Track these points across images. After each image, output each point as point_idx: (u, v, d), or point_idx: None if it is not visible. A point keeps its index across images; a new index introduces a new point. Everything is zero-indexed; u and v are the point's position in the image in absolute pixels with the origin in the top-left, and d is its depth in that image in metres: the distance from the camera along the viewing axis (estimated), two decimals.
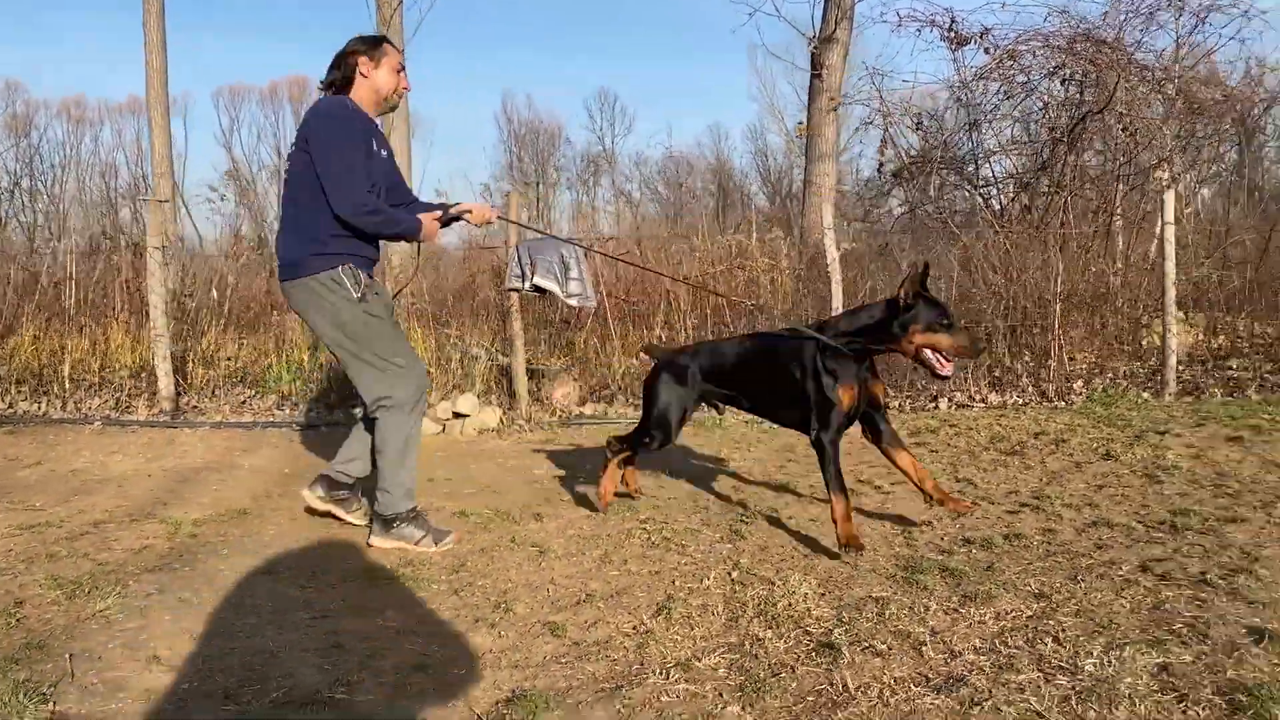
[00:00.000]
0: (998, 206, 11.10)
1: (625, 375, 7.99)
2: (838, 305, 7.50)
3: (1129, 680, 2.48)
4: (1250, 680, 2.43)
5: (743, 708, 2.40)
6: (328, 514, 4.20)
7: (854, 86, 14.61)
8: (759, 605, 3.17)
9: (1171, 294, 7.46)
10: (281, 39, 75.85)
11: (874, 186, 12.53)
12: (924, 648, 2.75)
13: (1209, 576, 3.30)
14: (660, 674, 2.62)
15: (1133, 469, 5.06)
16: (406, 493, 3.90)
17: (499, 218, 4.55)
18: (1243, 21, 10.99)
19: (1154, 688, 2.44)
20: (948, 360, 3.60)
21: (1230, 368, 8.85)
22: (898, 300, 3.60)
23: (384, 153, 3.92)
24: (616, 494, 4.47)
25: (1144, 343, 9.14)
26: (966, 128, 11.01)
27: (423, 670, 2.70)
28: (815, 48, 15.62)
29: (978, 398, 7.50)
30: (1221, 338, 9.83)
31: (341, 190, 3.62)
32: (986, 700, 2.39)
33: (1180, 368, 8.12)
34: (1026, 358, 7.90)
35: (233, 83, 63.27)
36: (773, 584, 3.39)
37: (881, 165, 12.80)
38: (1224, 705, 2.32)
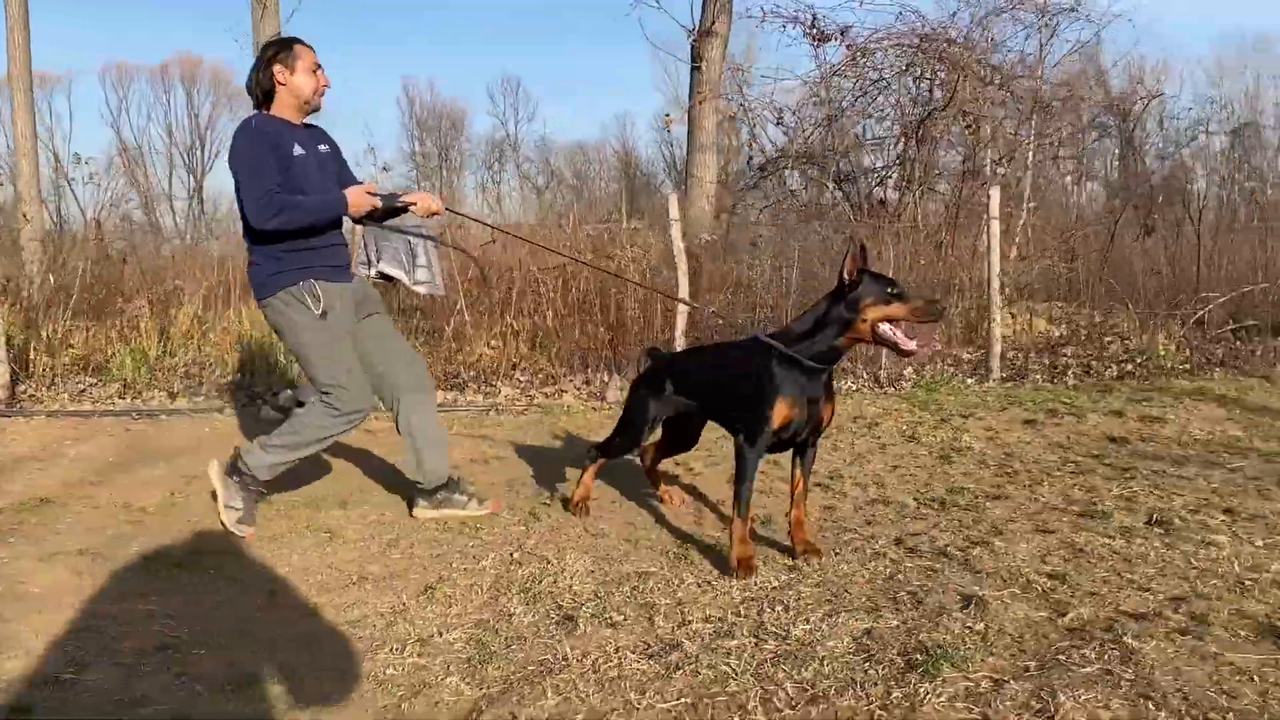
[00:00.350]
0: (856, 201, 11.48)
1: (478, 364, 8.06)
2: (684, 293, 7.69)
3: (830, 644, 2.69)
4: (935, 641, 2.65)
5: (462, 678, 2.53)
6: (448, 518, 4.22)
7: (727, 82, 14.90)
8: (525, 583, 3.31)
9: (995, 285, 7.84)
10: (170, 21, 73.20)
11: (741, 179, 12.82)
12: (657, 618, 2.92)
13: (949, 549, 3.56)
14: (396, 649, 2.74)
15: (930, 450, 5.36)
16: (269, 467, 4.00)
17: (447, 209, 4.46)
18: (1103, 22, 11.60)
19: (849, 650, 2.65)
20: (909, 334, 3.35)
21: (1064, 354, 9.33)
22: (842, 282, 3.37)
23: (322, 148, 3.98)
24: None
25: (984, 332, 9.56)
26: (826, 123, 11.34)
27: (164, 651, 2.76)
28: (694, 40, 15.82)
29: None
30: (1064, 327, 10.36)
31: (247, 204, 3.70)
32: (691, 664, 2.57)
33: (1017, 355, 8.55)
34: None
35: (120, 60, 61.07)
36: (548, 562, 3.54)
37: (750, 159, 13.11)
38: (902, 664, 2.54)
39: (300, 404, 4.12)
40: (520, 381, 7.86)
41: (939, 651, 2.57)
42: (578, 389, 7.72)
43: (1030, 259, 10.77)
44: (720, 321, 8.38)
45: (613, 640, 2.77)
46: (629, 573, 3.41)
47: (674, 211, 7.65)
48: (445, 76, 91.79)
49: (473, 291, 8.60)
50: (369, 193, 3.92)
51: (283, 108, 3.88)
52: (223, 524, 3.94)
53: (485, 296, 9.12)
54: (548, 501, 4.45)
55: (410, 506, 4.28)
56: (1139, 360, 8.43)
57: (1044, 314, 10.58)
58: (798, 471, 3.61)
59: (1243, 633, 2.68)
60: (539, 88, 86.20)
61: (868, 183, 11.36)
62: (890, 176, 11.07)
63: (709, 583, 3.28)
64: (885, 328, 3.32)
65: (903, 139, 10.70)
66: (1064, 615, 2.87)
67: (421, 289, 6.13)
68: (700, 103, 15.68)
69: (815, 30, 11.77)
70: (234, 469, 3.99)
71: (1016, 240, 10.36)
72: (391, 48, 78.67)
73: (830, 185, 11.92)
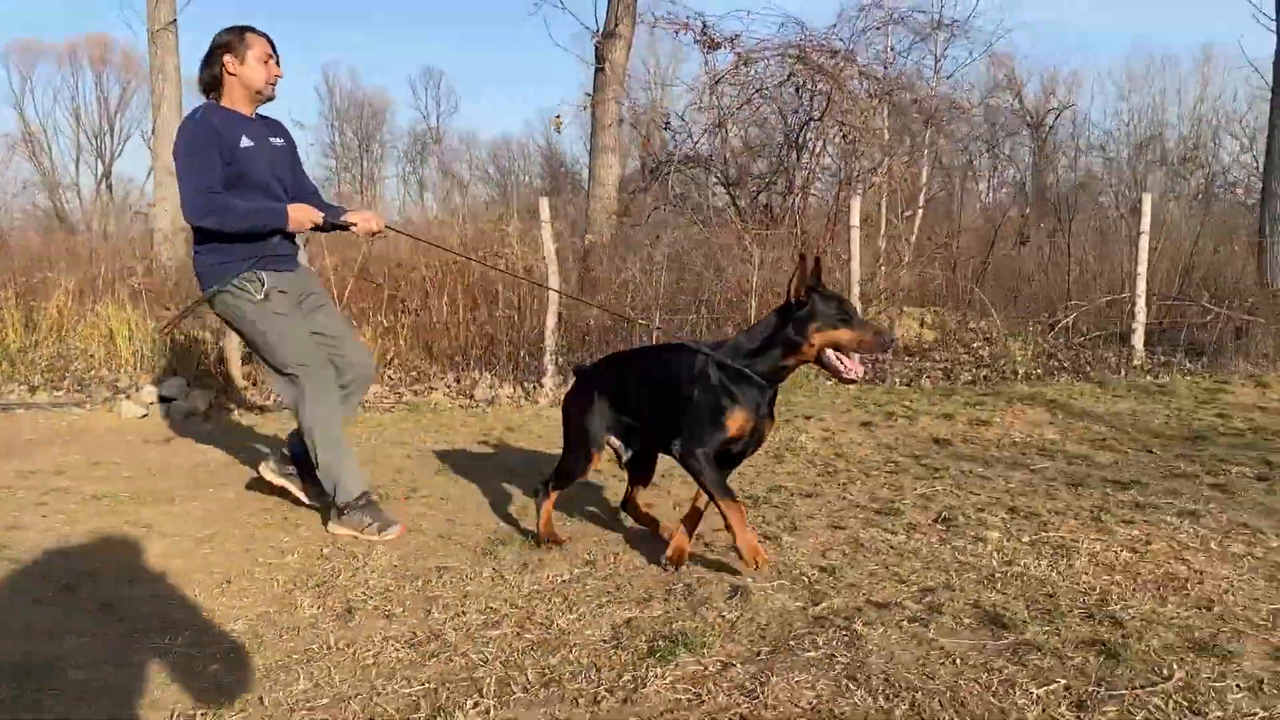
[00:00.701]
0: (745, 206, 11.74)
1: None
2: (554, 295, 7.84)
3: (589, 633, 2.87)
4: (683, 629, 2.85)
5: (224, 667, 2.65)
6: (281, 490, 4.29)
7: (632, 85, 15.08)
8: (323, 577, 3.43)
9: (855, 290, 8.15)
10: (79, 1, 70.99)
11: (632, 182, 13.01)
12: (435, 610, 3.07)
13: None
14: (171, 638, 2.84)
15: (767, 450, 5.57)
16: (344, 480, 3.94)
17: (388, 227, 4.32)
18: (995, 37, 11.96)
19: (604, 638, 2.83)
20: (852, 360, 3.21)
21: (929, 359, 9.69)
22: (789, 301, 3.26)
23: (276, 141, 3.94)
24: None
25: None
26: (713, 129, 11.58)
27: None
28: (598, 42, 15.97)
29: None
30: (937, 332, 10.75)
31: (183, 199, 3.67)
32: (447, 652, 2.72)
33: (880, 359, 8.87)
34: None
35: (26, 39, 59.15)
36: (354, 558, 3.66)
37: (644, 162, 13.29)
38: (645, 650, 2.72)
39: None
40: (390, 379, 7.92)
41: (682, 638, 2.76)
42: (449, 387, 7.82)
43: (906, 265, 11.13)
44: (608, 319, 8.56)
45: (383, 631, 2.91)
46: (430, 568, 3.55)
47: (544, 214, 7.80)
48: (367, 66, 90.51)
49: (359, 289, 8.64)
50: (313, 214, 3.87)
51: (233, 98, 3.83)
52: (376, 542, 3.86)
53: (372, 294, 9.17)
54: (376, 497, 4.56)
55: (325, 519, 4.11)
56: (993, 365, 8.81)
57: (916, 318, 10.96)
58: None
59: (967, 621, 2.93)
60: (463, 80, 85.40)
61: (754, 189, 11.62)
62: (775, 183, 11.34)
63: (504, 577, 3.43)
64: (830, 354, 3.20)
65: (786, 147, 10.97)
66: (817, 605, 3.09)
67: None
68: (602, 104, 15.87)
69: (706, 37, 12.02)
70: (340, 511, 3.94)
71: (886, 245, 10.68)
72: (309, 27, 77.19)
73: (720, 190, 12.18)
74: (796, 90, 10.88)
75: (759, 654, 2.70)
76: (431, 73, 67.60)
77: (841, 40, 11.05)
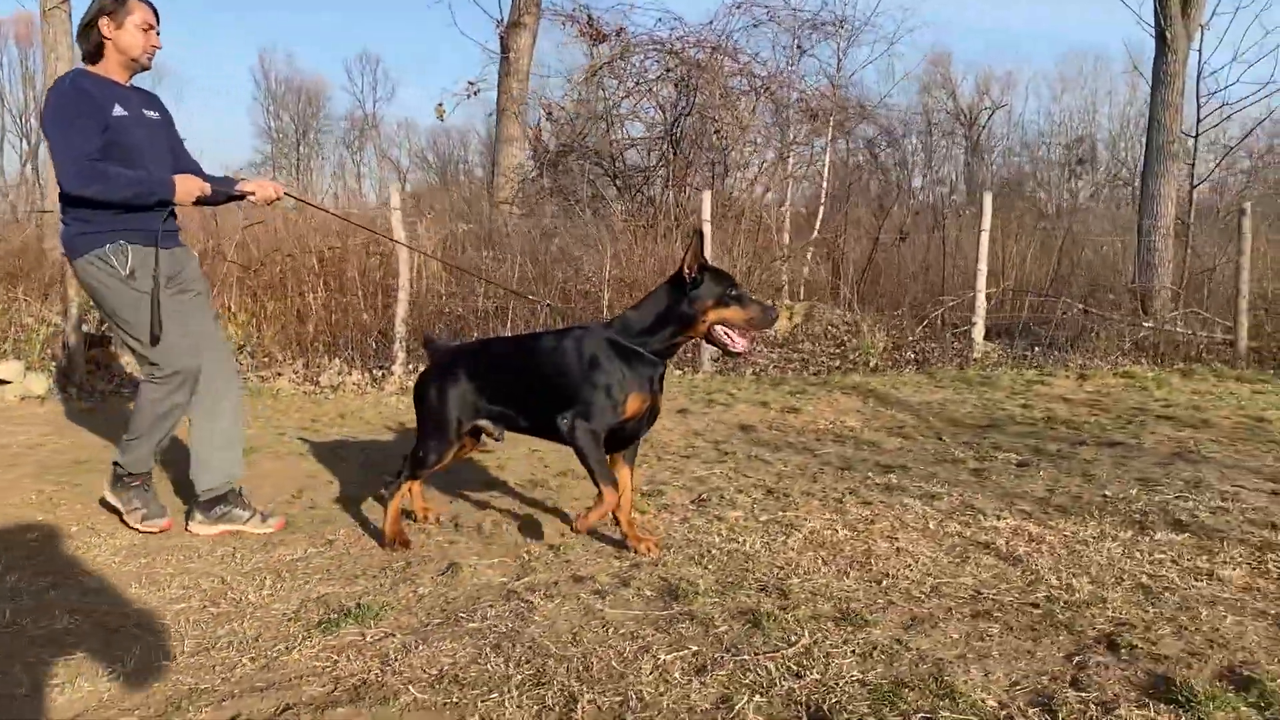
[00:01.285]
0: (629, 198, 11.88)
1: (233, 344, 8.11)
2: (405, 282, 7.91)
3: (276, 607, 2.97)
4: (366, 603, 2.96)
5: None
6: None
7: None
8: (55, 551, 3.48)
9: None
10: None
11: (521, 172, 13.09)
12: (135, 585, 3.15)
13: (482, 525, 3.90)
14: None
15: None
16: (141, 460, 3.81)
17: (286, 194, 4.12)
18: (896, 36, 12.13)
19: (288, 612, 2.94)
20: (741, 335, 3.33)
21: (801, 349, 9.93)
22: (682, 277, 3.27)
23: (151, 114, 3.76)
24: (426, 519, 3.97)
25: None
26: (595, 121, 11.70)
27: None
28: (503, 32, 15.99)
29: None
30: (817, 324, 10.99)
31: (59, 168, 3.46)
32: (128, 623, 2.81)
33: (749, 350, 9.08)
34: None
35: None
36: (98, 533, 3.73)
37: (535, 152, 13.38)
38: (316, 620, 2.84)
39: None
40: (240, 364, 7.92)
41: (356, 611, 2.88)
42: (296, 373, 7.84)
43: (783, 259, 11.38)
44: (460, 309, 8.64)
45: (75, 603, 2.98)
46: (167, 545, 3.62)
47: (395, 201, 7.85)
48: (305, 50, 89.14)
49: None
50: (201, 185, 3.70)
51: (109, 65, 3.65)
52: (135, 529, 3.79)
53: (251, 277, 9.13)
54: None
55: (186, 519, 3.92)
56: (847, 357, 9.06)
57: (791, 311, 11.19)
58: (624, 469, 3.54)
59: (648, 594, 3.08)
60: (400, 65, 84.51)
61: (637, 181, 11.77)
62: (656, 176, 11.49)
63: (235, 555, 3.53)
64: (720, 329, 3.28)
65: (665, 141, 11.12)
66: (520, 580, 3.23)
67: None
68: (506, 93, 15.91)
69: (591, 29, 12.13)
70: (117, 478, 3.84)
71: (760, 240, 10.88)
72: (243, 7, 75.85)
73: (606, 182, 12.30)
74: (675, 86, 11.03)
75: (426, 625, 2.83)
76: (368, 57, 66.88)
77: (719, 35, 11.22)
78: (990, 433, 5.72)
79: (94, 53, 3.65)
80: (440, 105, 13.17)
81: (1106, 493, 4.28)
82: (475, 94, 13.41)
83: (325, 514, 4.10)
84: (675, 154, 10.77)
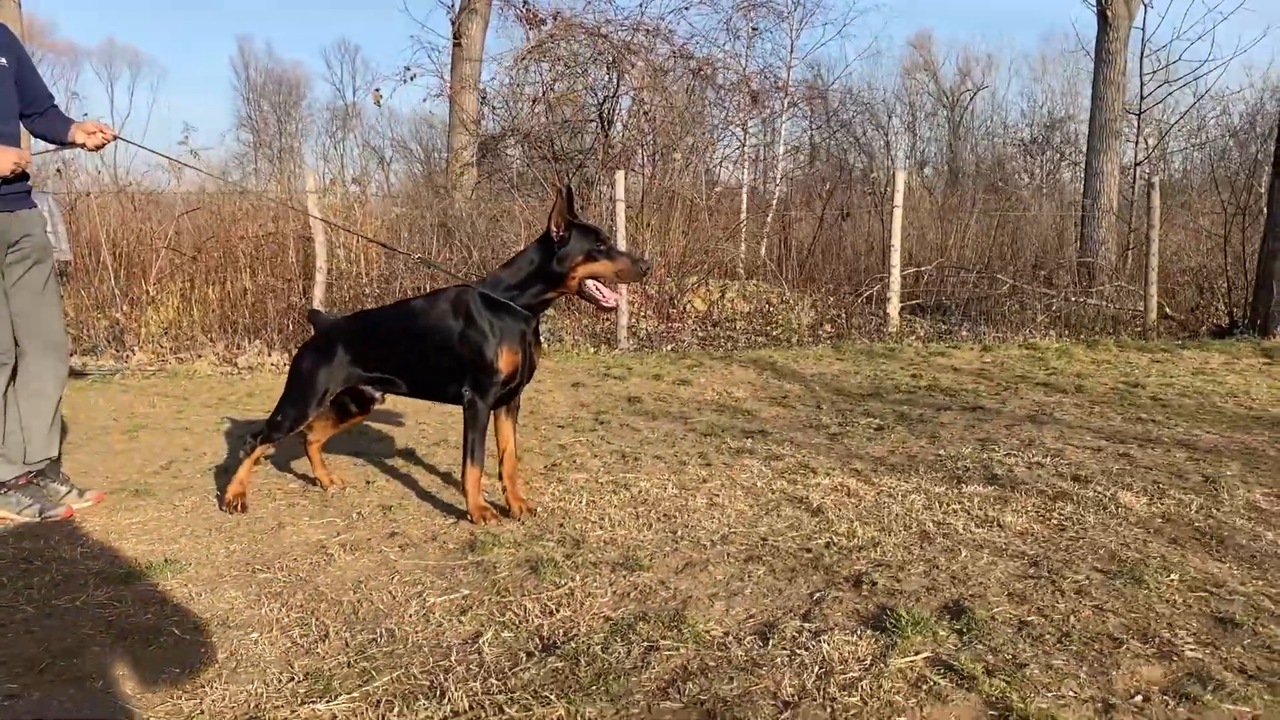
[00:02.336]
0: (567, 179, 12.00)
1: (109, 329, 8.23)
2: (321, 263, 8.03)
3: (88, 563, 3.11)
4: (173, 558, 3.11)
5: None
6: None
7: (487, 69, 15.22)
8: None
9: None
10: None
11: (464, 157, 13.18)
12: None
13: (390, 503, 4.04)
14: None
15: None
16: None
17: (119, 137, 3.91)
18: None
19: (101, 570, 3.08)
20: (612, 289, 3.41)
21: (736, 327, 10.07)
22: (550, 235, 3.34)
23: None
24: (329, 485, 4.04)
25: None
26: (529, 105, 11.81)
27: None
28: (454, 18, 16.05)
29: None
30: (756, 302, 11.13)
31: None
32: None
33: (676, 327, 9.23)
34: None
35: None
36: None
37: (474, 137, 13.47)
38: (123, 576, 2.97)
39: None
40: (160, 348, 8.05)
41: (161, 564, 3.02)
42: (216, 355, 7.96)
43: (716, 240, 11.50)
44: (377, 289, 8.76)
45: None
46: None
47: (310, 184, 7.97)
48: (283, 39, 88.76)
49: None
50: (19, 156, 3.55)
51: None
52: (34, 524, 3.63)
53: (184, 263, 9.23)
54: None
55: None
56: (771, 334, 9.21)
57: (729, 290, 11.34)
58: (506, 425, 3.60)
59: (452, 548, 3.23)
60: (379, 54, 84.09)
61: (573, 164, 11.88)
62: (592, 159, 11.61)
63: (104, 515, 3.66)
64: (590, 284, 3.35)
65: (598, 123, 11.24)
66: (338, 536, 3.37)
67: (57, 255, 6.37)
68: (459, 80, 15.99)
69: (528, 11, 12.23)
70: None
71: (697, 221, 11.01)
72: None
73: (546, 164, 12.41)
74: (606, 69, 11.15)
75: (222, 577, 2.97)
76: (347, 46, 66.68)
77: (655, 19, 11.34)
78: (868, 401, 5.87)
79: None
80: (377, 90, 13.20)
81: (940, 452, 4.44)
82: (411, 79, 13.45)
83: (184, 483, 4.22)
84: (606, 135, 10.88)
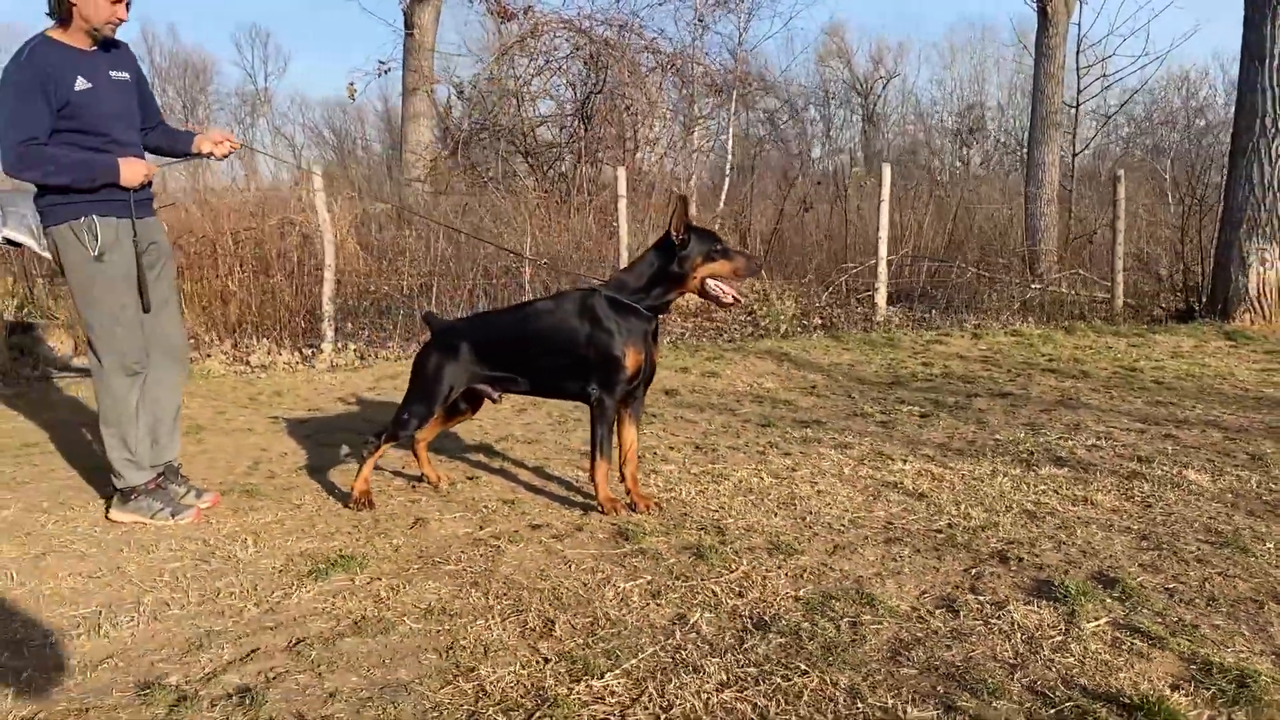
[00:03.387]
0: (541, 175, 12.13)
1: None
2: (330, 261, 8.07)
3: (264, 562, 3.25)
4: (352, 553, 3.26)
5: None
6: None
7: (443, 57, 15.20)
8: (28, 526, 3.68)
9: (625, 256, 8.66)
10: None
11: (433, 150, 13.22)
12: (125, 549, 3.39)
13: (460, 483, 4.20)
14: None
15: (512, 406, 6.03)
16: (128, 464, 3.73)
17: (245, 145, 4.11)
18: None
19: (278, 566, 3.22)
20: (731, 287, 3.60)
21: (713, 318, 10.35)
22: (672, 239, 3.52)
23: (118, 74, 3.62)
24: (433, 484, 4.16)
25: None
26: (508, 99, 11.91)
27: None
28: (406, 7, 15.97)
29: None
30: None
31: (1, 150, 3.37)
32: (124, 581, 3.06)
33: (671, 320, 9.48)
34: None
35: None
36: (71, 507, 3.92)
37: (447, 130, 13.50)
38: (307, 572, 3.12)
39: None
40: None
41: (341, 561, 3.18)
42: (225, 354, 7.95)
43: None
44: (385, 287, 8.82)
45: (70, 569, 3.22)
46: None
47: (318, 183, 8.00)
48: (186, 23, 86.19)
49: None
50: (147, 169, 3.65)
51: (75, 31, 3.48)
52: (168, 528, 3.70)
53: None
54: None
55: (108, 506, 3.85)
56: (759, 324, 9.52)
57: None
58: (629, 425, 3.77)
59: (601, 536, 3.45)
60: (291, 39, 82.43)
61: (549, 158, 12.02)
62: (568, 153, 11.76)
63: (209, 521, 3.77)
64: (711, 283, 3.55)
65: (575, 118, 11.40)
66: (483, 529, 3.56)
67: (50, 254, 6.34)
68: (413, 70, 15.92)
69: (499, 6, 12.30)
70: (125, 497, 3.75)
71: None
72: None
73: (518, 159, 12.52)
74: (584, 64, 11.31)
75: (407, 570, 3.15)
76: (258, 31, 65.11)
77: (628, 14, 11.53)
78: (895, 389, 6.22)
79: (63, 16, 3.46)
80: (352, 85, 13.20)
81: (998, 437, 4.79)
82: (386, 73, 13.41)
83: (285, 482, 4.34)
84: (586, 130, 11.06)
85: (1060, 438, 4.71)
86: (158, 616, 2.80)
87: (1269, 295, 8.90)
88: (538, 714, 2.21)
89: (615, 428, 3.78)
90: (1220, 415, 5.17)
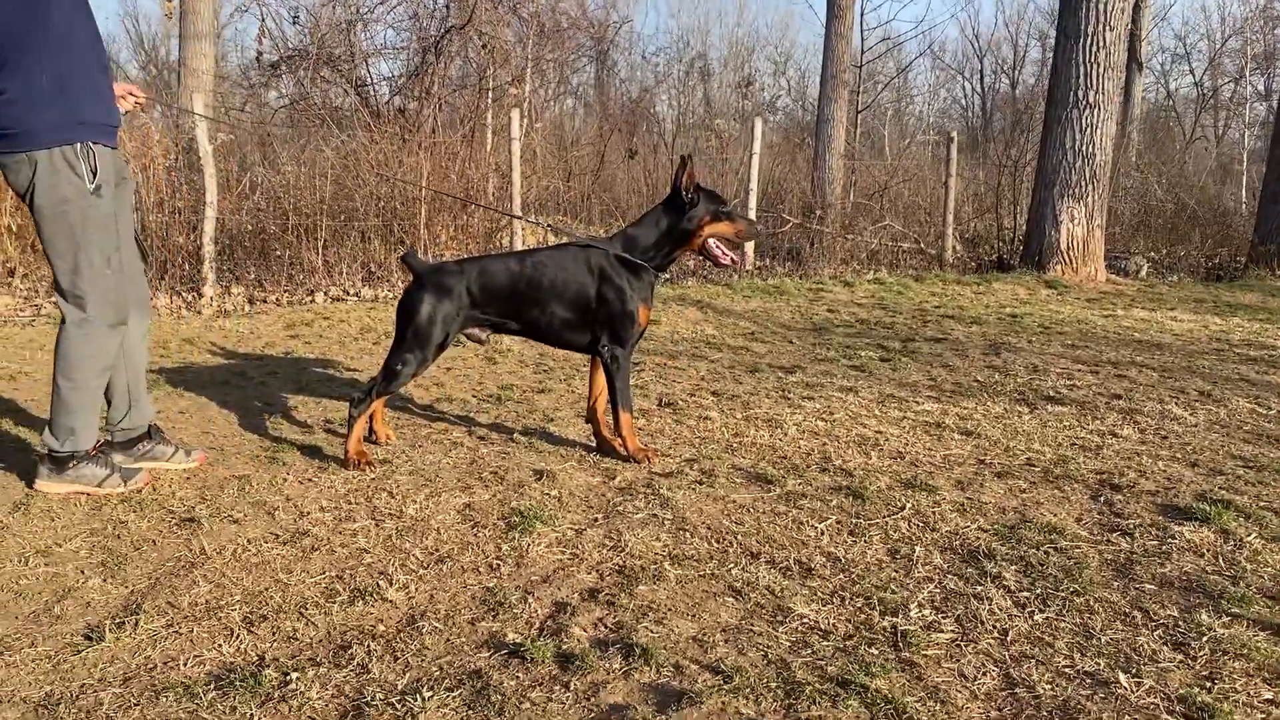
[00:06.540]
0: (375, 108, 11.60)
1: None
2: (212, 198, 7.47)
3: (440, 518, 3.17)
4: (524, 507, 3.24)
5: (104, 579, 2.65)
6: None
7: None
8: (123, 495, 3.35)
9: (518, 201, 8.59)
10: None
11: (253, 76, 12.31)
12: (277, 512, 3.19)
13: (515, 435, 4.18)
14: (19, 562, 2.74)
15: (476, 354, 5.94)
16: (79, 432, 3.32)
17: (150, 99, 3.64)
18: None
19: (457, 521, 3.15)
20: (731, 247, 3.71)
21: None
22: (680, 196, 3.60)
23: None
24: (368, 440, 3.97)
25: (502, 241, 10.34)
26: (344, 26, 11.28)
27: None
28: None
29: (352, 291, 8.05)
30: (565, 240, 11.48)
31: None
32: (324, 545, 2.91)
33: None
34: (399, 253, 8.60)
35: None
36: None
37: (260, 55, 12.58)
38: (504, 525, 3.09)
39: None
40: (23, 290, 7.15)
41: (530, 513, 3.16)
42: None
43: (532, 178, 11.72)
44: (264, 226, 8.23)
45: (240, 534, 3.00)
46: (226, 477, 3.58)
47: (198, 107, 7.35)
48: None
49: None
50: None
51: None
52: (113, 498, 3.32)
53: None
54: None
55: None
56: None
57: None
58: (600, 369, 3.84)
59: (738, 480, 3.60)
60: None
61: (386, 91, 11.53)
62: (409, 88, 11.33)
63: (309, 479, 3.57)
64: (713, 243, 3.66)
65: (422, 52, 10.99)
66: (613, 479, 3.60)
67: None
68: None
69: None
70: (60, 466, 3.32)
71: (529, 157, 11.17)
72: None
73: (347, 90, 11.91)
74: None
75: (596, 520, 3.18)
76: None
77: None
78: (827, 335, 6.66)
79: None
80: (169, 2, 11.91)
81: (978, 379, 5.32)
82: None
83: (307, 440, 4.15)
84: (438, 63, 10.71)
85: (1032, 379, 5.30)
86: (416, 576, 2.70)
87: (1076, 248, 10.15)
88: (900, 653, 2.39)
89: (591, 373, 3.93)
90: (1133, 357, 5.97)
